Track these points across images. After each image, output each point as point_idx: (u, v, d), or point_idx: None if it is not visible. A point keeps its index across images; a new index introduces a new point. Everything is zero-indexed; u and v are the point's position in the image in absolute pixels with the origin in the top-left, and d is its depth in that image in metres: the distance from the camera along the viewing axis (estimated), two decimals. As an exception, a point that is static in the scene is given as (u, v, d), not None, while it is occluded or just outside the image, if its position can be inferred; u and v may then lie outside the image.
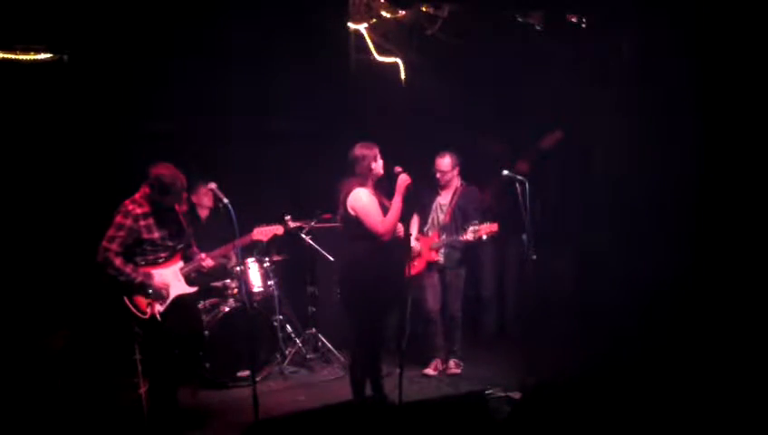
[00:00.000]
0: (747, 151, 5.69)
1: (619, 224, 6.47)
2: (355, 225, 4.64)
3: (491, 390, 5.36)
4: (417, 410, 3.70)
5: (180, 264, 4.81)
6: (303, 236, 6.45)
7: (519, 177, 5.47)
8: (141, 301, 4.61)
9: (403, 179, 4.60)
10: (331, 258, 6.36)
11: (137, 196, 4.66)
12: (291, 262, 6.73)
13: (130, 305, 4.59)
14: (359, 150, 4.72)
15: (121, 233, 4.54)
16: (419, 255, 6.01)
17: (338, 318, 6.65)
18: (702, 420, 4.35)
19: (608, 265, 6.58)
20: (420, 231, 6.11)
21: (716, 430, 4.29)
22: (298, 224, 6.40)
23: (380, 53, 6.83)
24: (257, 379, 5.03)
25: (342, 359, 6.33)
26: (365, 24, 6.60)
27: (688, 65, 5.96)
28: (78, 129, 6.10)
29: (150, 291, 4.58)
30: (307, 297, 6.84)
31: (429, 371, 6.03)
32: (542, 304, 6.21)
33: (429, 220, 6.10)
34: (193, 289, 4.85)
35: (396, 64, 6.96)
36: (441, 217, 6.06)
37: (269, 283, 6.28)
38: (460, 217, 5.95)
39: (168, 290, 4.67)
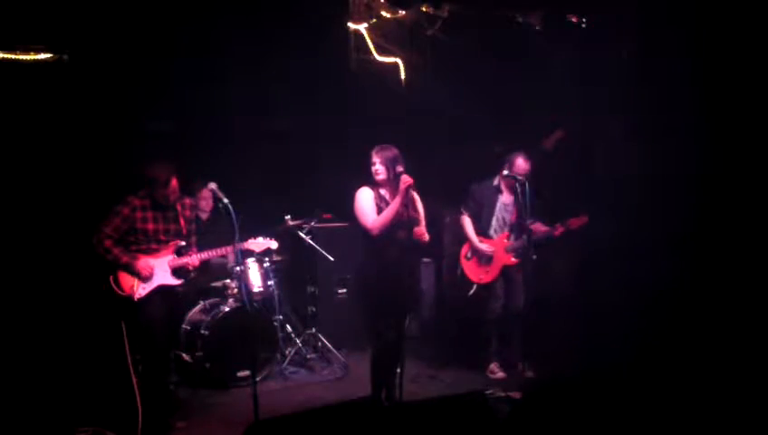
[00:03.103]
0: (748, 151, 5.68)
1: (619, 224, 6.46)
2: (357, 223, 4.72)
3: (491, 390, 5.36)
4: (417, 410, 3.70)
5: (171, 257, 4.95)
6: (303, 236, 6.45)
7: (519, 177, 5.47)
8: (125, 279, 4.81)
9: (404, 180, 4.61)
10: (331, 258, 6.36)
11: (141, 191, 4.91)
12: (291, 262, 6.73)
13: (113, 282, 4.81)
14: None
15: (117, 219, 4.81)
16: (490, 260, 5.92)
17: (338, 318, 6.69)
18: (702, 420, 4.35)
19: (608, 265, 6.57)
20: (483, 233, 6.00)
21: (716, 430, 4.29)
22: (298, 223, 6.40)
23: (380, 53, 6.84)
24: (257, 379, 5.03)
25: (342, 359, 6.34)
26: (365, 24, 6.61)
27: (688, 65, 5.95)
28: (78, 129, 6.09)
29: (134, 271, 4.80)
30: (307, 297, 6.85)
31: (498, 374, 5.96)
32: (542, 304, 6.21)
33: (494, 221, 5.98)
34: (178, 281, 4.95)
35: (396, 64, 6.97)
36: (507, 217, 5.97)
37: (269, 283, 6.27)
38: (525, 215, 5.81)
39: (151, 274, 4.83)
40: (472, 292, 6.07)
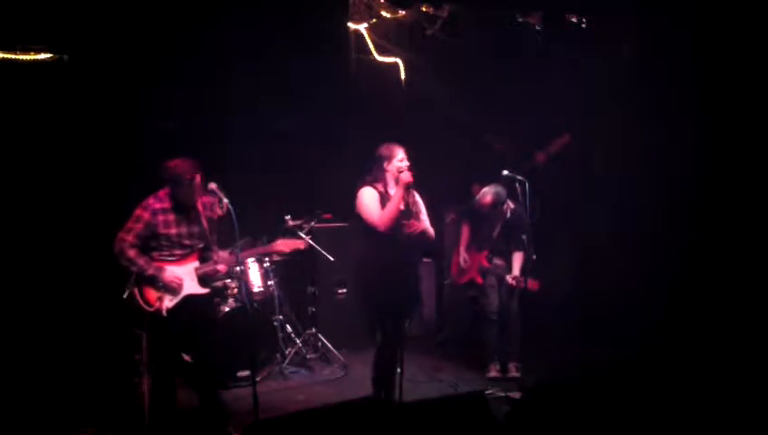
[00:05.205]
0: (748, 151, 5.69)
1: (619, 224, 6.47)
2: (361, 223, 4.69)
3: (491, 390, 5.36)
4: (417, 410, 3.69)
5: (196, 263, 4.69)
6: (303, 236, 6.44)
7: (519, 177, 5.48)
8: (151, 293, 4.55)
9: (404, 177, 4.62)
10: (331, 258, 6.36)
11: (160, 192, 4.61)
12: (291, 262, 6.72)
13: (138, 296, 4.55)
14: (379, 150, 4.75)
15: (138, 226, 4.50)
16: (467, 270, 6.12)
17: (338, 318, 6.69)
18: (702, 420, 4.35)
19: (607, 265, 6.58)
20: (472, 241, 6.16)
21: (716, 430, 4.29)
22: (298, 223, 6.40)
23: (380, 53, 6.84)
24: (257, 379, 5.02)
25: (342, 359, 6.34)
26: (365, 24, 6.62)
27: (688, 65, 5.96)
28: (78, 129, 6.10)
29: (161, 284, 4.54)
30: (307, 297, 6.85)
31: (493, 373, 5.94)
32: (541, 305, 6.21)
33: (480, 234, 6.13)
34: (205, 290, 4.71)
35: (396, 64, 6.97)
36: (491, 239, 6.09)
37: (269, 283, 6.27)
38: (508, 234, 5.99)
39: (179, 286, 4.56)
40: (446, 281, 6.57)
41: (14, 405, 4.99)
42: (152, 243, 4.56)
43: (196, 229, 4.65)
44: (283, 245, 5.14)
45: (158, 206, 4.54)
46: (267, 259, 6.30)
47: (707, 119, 5.88)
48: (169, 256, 4.60)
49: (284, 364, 6.20)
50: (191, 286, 4.63)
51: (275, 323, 6.17)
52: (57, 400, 5.18)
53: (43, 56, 5.88)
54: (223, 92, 6.39)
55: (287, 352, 6.32)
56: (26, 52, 5.83)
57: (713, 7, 5.72)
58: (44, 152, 5.99)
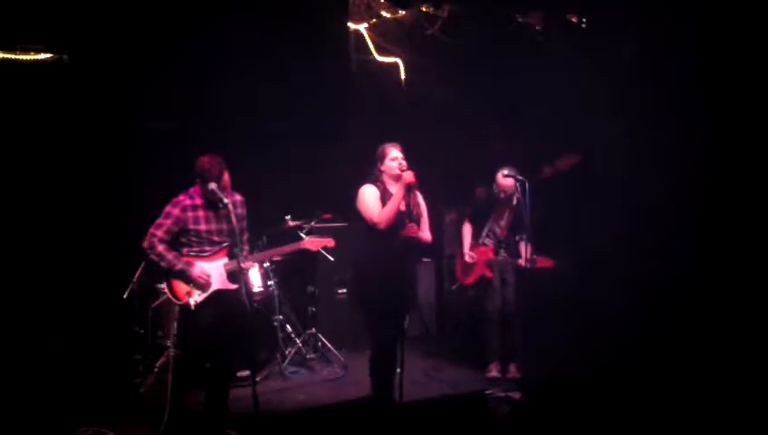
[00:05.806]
0: (749, 151, 5.68)
1: (620, 224, 6.46)
2: (362, 221, 4.70)
3: (491, 390, 5.36)
4: (417, 410, 3.70)
5: (225, 260, 4.71)
6: (303, 236, 6.44)
7: (519, 177, 5.47)
8: (180, 288, 4.59)
9: (406, 177, 4.62)
10: (331, 258, 6.36)
11: (191, 189, 4.64)
12: (291, 262, 6.72)
13: (168, 290, 4.61)
14: (378, 149, 4.76)
15: (168, 221, 4.55)
16: (474, 267, 6.08)
17: (338, 318, 6.69)
18: (702, 420, 4.35)
19: (608, 266, 6.58)
20: (476, 240, 6.14)
21: (716, 431, 4.29)
22: (298, 223, 6.40)
23: (380, 53, 6.84)
24: (257, 379, 5.02)
25: (342, 359, 6.34)
26: (365, 24, 6.62)
27: (689, 65, 5.95)
28: (78, 129, 6.10)
29: (190, 278, 4.58)
30: (307, 297, 6.84)
31: (493, 373, 5.94)
32: (542, 305, 6.21)
33: (485, 231, 6.11)
34: (234, 286, 4.72)
35: (396, 64, 6.97)
36: (498, 231, 6.07)
37: (269, 283, 6.27)
38: (514, 226, 5.97)
39: (208, 281, 4.61)
40: (454, 287, 6.54)
41: (14, 405, 4.98)
42: (182, 239, 4.62)
43: (225, 226, 4.66)
44: (311, 243, 5.16)
45: (187, 202, 4.59)
46: (267, 260, 6.30)
47: (709, 119, 5.88)
48: (200, 251, 4.64)
49: (284, 364, 6.20)
50: (220, 282, 4.66)
51: (275, 323, 6.16)
52: (57, 400, 5.18)
53: (43, 56, 5.89)
54: (222, 92, 6.39)
55: (287, 352, 6.31)
56: (26, 52, 5.83)
57: (714, 7, 5.72)
58: (45, 152, 6.00)
